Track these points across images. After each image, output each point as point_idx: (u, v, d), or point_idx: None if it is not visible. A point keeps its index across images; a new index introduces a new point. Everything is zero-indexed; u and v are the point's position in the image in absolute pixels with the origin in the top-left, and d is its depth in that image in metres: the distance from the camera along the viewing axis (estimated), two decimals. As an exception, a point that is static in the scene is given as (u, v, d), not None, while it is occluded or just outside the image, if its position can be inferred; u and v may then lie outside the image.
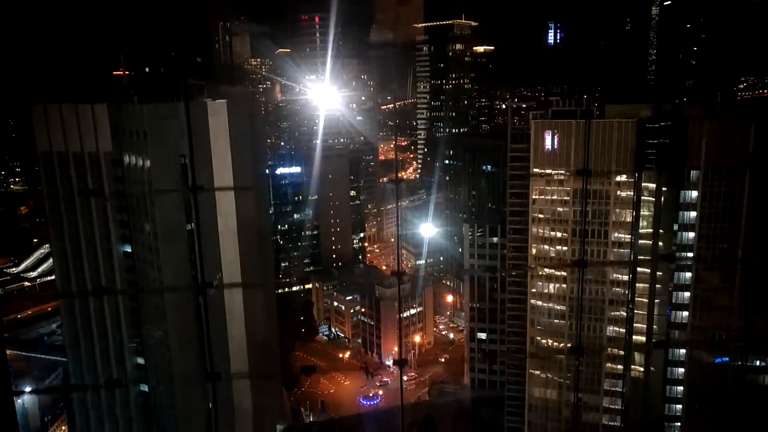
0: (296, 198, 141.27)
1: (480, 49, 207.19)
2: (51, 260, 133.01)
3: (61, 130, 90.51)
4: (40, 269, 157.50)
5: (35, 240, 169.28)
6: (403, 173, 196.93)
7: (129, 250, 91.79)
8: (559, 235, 76.73)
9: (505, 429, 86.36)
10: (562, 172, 74.89)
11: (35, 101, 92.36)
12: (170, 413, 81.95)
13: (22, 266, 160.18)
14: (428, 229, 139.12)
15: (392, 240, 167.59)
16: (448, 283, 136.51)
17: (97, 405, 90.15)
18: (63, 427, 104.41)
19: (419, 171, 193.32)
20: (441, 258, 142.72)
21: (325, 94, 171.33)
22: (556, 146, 75.44)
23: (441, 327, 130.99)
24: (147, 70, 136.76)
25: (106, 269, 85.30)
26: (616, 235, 74.18)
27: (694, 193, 72.34)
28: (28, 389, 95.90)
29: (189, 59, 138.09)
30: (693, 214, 72.65)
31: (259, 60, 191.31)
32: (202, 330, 75.44)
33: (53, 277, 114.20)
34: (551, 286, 78.04)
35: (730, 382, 67.61)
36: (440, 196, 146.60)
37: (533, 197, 77.28)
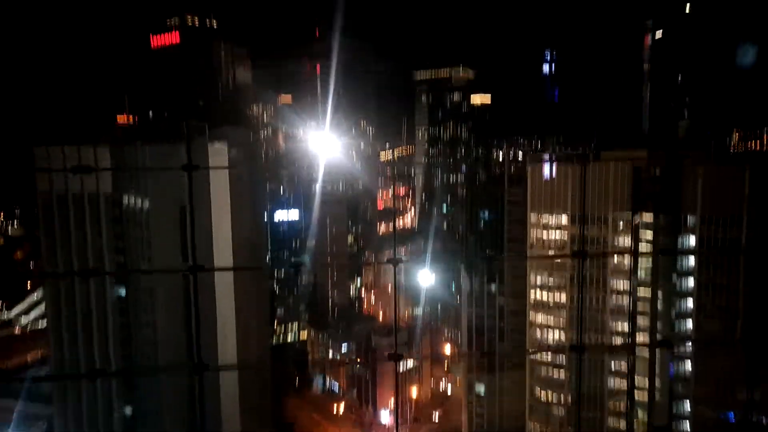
0: (293, 244, 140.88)
1: (477, 100, 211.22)
2: (43, 306, 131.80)
3: (62, 171, 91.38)
4: (32, 315, 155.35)
5: (28, 285, 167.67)
6: (401, 221, 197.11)
7: (123, 293, 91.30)
8: (556, 280, 76.31)
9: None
10: (559, 215, 75.15)
11: (38, 143, 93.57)
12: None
13: (14, 311, 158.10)
14: (426, 277, 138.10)
15: (389, 287, 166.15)
16: (447, 333, 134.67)
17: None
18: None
19: (417, 218, 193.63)
20: (439, 306, 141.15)
21: (325, 141, 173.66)
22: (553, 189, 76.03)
23: (439, 377, 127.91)
24: (150, 114, 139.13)
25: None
26: (614, 282, 73.84)
27: (692, 238, 72.37)
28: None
29: (192, 103, 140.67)
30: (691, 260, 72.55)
31: (261, 106, 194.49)
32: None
33: (44, 325, 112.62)
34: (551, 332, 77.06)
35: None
36: (438, 244, 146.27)
37: (531, 241, 77.27)
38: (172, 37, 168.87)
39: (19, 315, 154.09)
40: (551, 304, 76.35)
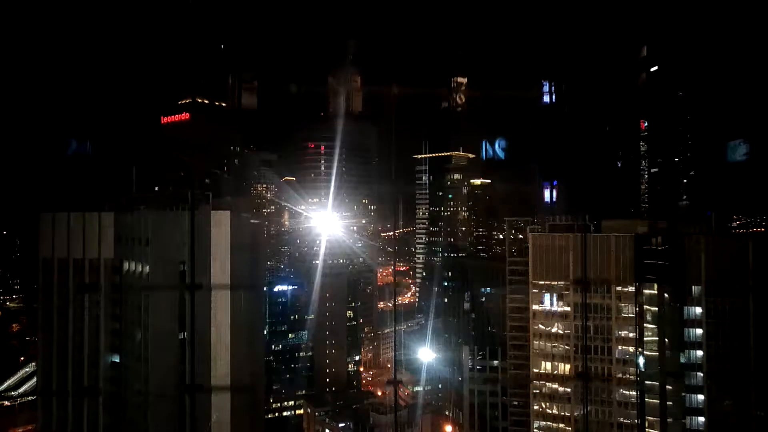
0: (292, 316, 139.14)
1: (477, 182, 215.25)
2: (34, 380, 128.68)
3: (66, 237, 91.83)
4: (22, 389, 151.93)
5: (22, 358, 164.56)
6: (401, 299, 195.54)
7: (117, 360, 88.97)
8: (561, 349, 74.67)
9: None
10: (562, 284, 74.64)
11: (43, 210, 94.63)
12: None
13: (5, 385, 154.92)
14: (426, 354, 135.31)
15: (389, 366, 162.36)
16: (448, 413, 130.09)
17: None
18: None
19: (417, 296, 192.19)
20: (440, 386, 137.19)
21: (327, 219, 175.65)
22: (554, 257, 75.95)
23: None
24: (156, 189, 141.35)
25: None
26: (620, 348, 72.23)
27: (698, 309, 71.39)
28: None
29: (198, 180, 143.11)
30: (699, 331, 71.25)
31: (264, 186, 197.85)
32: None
33: (34, 397, 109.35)
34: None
35: None
36: (439, 321, 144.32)
37: (533, 310, 76.27)
38: (182, 116, 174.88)
39: (9, 388, 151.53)
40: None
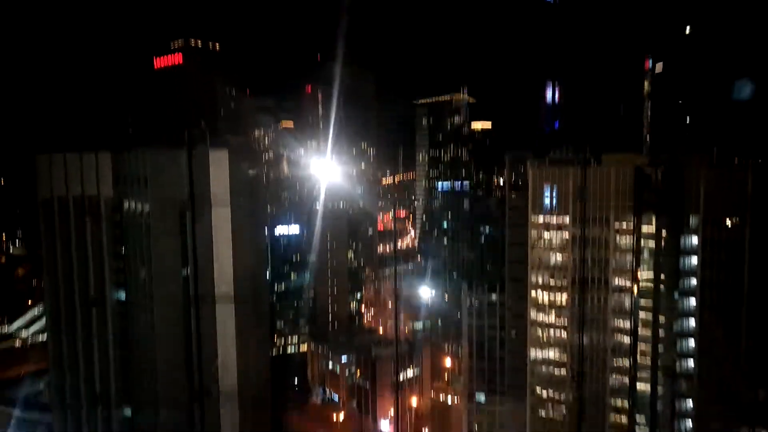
0: (294, 258, 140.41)
1: (478, 126, 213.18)
2: (43, 321, 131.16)
3: (63, 178, 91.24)
4: (31, 330, 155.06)
5: (29, 301, 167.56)
6: (401, 243, 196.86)
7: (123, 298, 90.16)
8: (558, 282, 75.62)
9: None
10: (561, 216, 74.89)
11: (40, 151, 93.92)
12: None
13: (14, 325, 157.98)
14: (426, 292, 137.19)
15: (389, 305, 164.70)
16: (447, 347, 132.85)
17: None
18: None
19: (417, 240, 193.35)
20: (439, 322, 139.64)
21: (326, 165, 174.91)
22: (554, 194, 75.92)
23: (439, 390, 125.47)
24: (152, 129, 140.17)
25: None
26: (616, 281, 73.17)
27: (695, 239, 71.76)
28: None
29: (194, 120, 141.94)
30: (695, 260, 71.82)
31: (262, 131, 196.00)
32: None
33: (44, 338, 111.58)
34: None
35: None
36: (439, 262, 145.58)
37: (532, 241, 76.78)
38: (175, 58, 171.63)
39: (19, 329, 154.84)
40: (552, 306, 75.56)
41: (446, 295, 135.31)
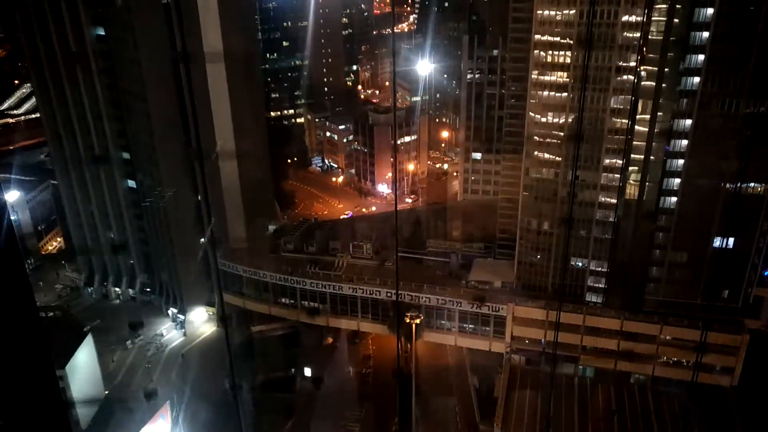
0: (284, 24, 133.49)
1: None
2: (33, 99, 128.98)
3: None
4: (23, 108, 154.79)
5: (16, 81, 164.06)
6: (398, 29, 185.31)
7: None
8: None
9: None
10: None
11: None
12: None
13: (6, 104, 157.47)
14: (424, 66, 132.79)
15: (387, 84, 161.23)
16: (445, 120, 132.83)
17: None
18: (58, 239, 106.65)
19: (416, 24, 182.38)
20: (438, 95, 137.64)
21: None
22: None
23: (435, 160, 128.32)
24: None
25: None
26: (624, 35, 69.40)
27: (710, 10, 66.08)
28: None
29: None
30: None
31: None
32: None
33: (38, 115, 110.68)
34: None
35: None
36: (439, 37, 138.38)
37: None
38: None
39: (10, 107, 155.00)
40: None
41: (445, 67, 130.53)
